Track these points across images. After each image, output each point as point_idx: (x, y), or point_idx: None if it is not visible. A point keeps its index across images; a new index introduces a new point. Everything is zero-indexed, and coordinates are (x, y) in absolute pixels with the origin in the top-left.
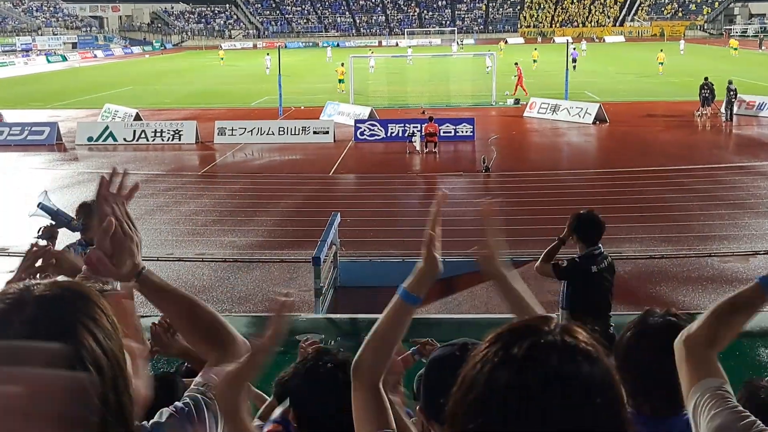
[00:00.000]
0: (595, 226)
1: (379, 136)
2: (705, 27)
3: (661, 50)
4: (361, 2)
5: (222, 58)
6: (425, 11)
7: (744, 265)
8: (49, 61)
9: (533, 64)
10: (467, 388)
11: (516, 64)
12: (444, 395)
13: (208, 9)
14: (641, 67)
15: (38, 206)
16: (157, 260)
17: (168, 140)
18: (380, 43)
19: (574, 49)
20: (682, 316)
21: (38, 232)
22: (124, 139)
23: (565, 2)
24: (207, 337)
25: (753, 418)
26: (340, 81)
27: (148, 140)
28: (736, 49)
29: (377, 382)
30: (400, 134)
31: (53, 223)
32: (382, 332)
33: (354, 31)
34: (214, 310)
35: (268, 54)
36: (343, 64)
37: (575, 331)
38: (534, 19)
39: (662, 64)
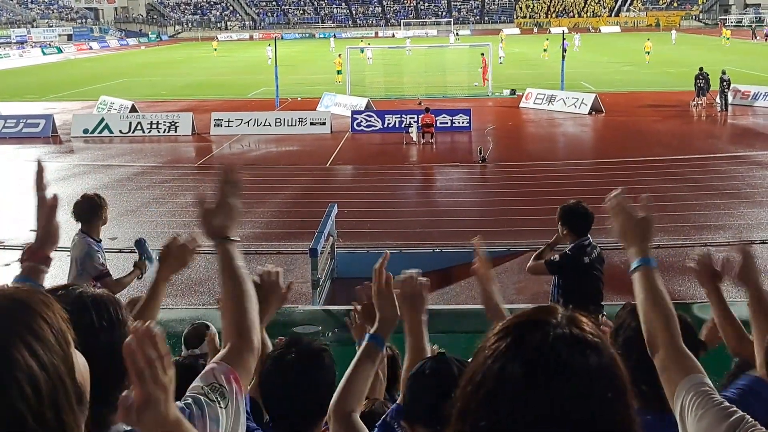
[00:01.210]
0: (584, 217)
1: (376, 127)
2: (700, 17)
3: (648, 39)
4: None
5: (215, 49)
6: (421, 2)
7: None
8: (44, 53)
9: (544, 53)
10: (478, 383)
11: (482, 55)
12: (429, 398)
13: (204, 0)
14: (637, 57)
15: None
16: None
17: (164, 132)
18: (377, 34)
19: (564, 39)
20: None
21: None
22: (120, 131)
23: None
24: (234, 324)
25: (741, 413)
26: (338, 72)
27: (144, 132)
28: (728, 39)
29: (356, 421)
30: (397, 125)
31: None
32: (356, 376)
33: (350, 22)
34: (255, 311)
35: (269, 45)
36: (340, 55)
37: (581, 321)
38: (530, 9)
39: (649, 53)
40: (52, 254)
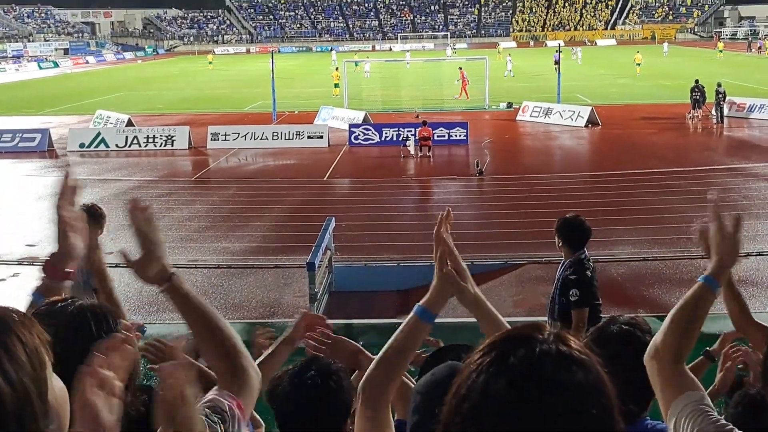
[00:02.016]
0: (581, 231)
1: (373, 140)
2: (695, 30)
3: (638, 52)
4: (354, 7)
5: (210, 62)
6: (418, 16)
7: (736, 267)
8: (40, 68)
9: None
10: (462, 396)
11: (460, 68)
12: (434, 420)
13: (201, 14)
14: (632, 70)
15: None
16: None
17: (160, 146)
18: (374, 47)
19: (557, 52)
20: (643, 325)
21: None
22: (116, 145)
23: (557, 6)
24: (221, 357)
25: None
26: (336, 86)
27: (140, 146)
28: (721, 51)
29: (387, 404)
30: (395, 138)
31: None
32: (396, 350)
33: (347, 35)
34: (235, 334)
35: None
36: (337, 69)
37: (568, 339)
38: (526, 23)
39: (639, 65)
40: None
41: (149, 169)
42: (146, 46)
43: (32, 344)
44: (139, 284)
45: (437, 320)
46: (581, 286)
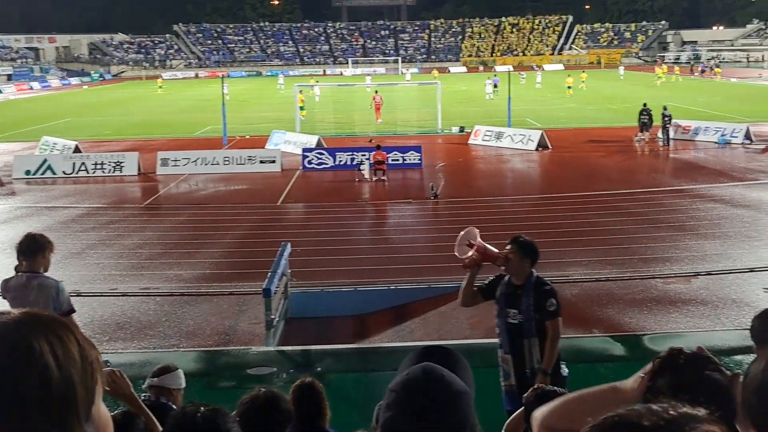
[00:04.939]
0: (535, 250)
1: (327, 164)
2: (640, 54)
3: (569, 75)
4: (304, 32)
5: (161, 87)
6: (369, 41)
7: (686, 286)
8: None
9: (568, 90)
10: None
11: (376, 92)
12: (408, 423)
13: (148, 39)
14: (578, 94)
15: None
16: (101, 296)
17: (109, 172)
18: (324, 72)
19: (495, 76)
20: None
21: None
22: (64, 172)
23: (505, 32)
24: None
25: None
26: (301, 108)
27: (88, 173)
28: (659, 77)
29: None
30: (349, 162)
31: None
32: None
33: (298, 59)
34: None
35: (226, 82)
36: (301, 92)
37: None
38: (475, 48)
39: (570, 87)
40: None
41: (98, 196)
42: (92, 72)
43: (88, 353)
44: (92, 313)
45: (393, 345)
46: (557, 296)
